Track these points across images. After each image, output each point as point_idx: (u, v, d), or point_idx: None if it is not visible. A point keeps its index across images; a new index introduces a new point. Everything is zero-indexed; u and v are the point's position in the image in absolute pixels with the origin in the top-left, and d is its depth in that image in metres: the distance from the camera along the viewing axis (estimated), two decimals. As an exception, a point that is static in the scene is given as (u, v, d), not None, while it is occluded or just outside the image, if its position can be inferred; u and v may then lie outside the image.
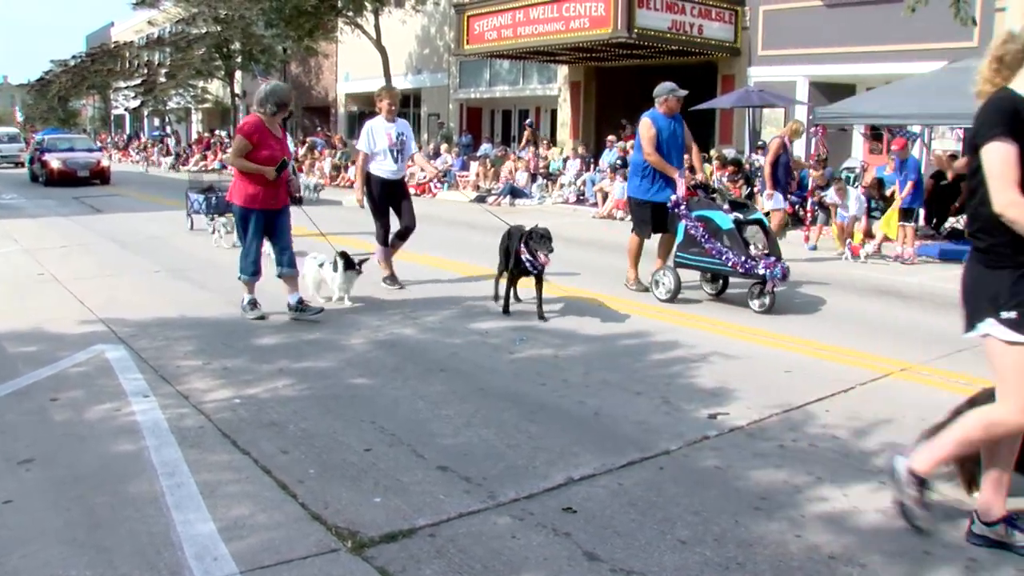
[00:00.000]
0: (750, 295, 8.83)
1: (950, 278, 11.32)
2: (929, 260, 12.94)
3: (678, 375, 6.51)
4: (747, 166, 18.56)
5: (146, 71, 48.46)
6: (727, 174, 17.91)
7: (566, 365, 6.74)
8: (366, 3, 30.19)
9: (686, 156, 9.80)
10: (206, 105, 49.24)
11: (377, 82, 31.36)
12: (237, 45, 39.95)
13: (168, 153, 43.78)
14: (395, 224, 9.96)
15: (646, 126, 9.44)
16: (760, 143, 19.55)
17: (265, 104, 8.10)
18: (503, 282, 8.73)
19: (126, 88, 50.68)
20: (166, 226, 16.09)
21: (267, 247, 8.50)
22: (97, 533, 3.85)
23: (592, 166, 22.35)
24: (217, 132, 44.20)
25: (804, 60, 19.93)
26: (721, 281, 9.50)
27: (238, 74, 42.53)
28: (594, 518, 4.04)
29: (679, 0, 20.46)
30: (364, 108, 38.31)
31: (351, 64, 36.53)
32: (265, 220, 8.20)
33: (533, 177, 23.53)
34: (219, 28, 39.17)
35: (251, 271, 8.27)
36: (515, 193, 22.09)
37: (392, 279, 9.91)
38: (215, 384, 6.11)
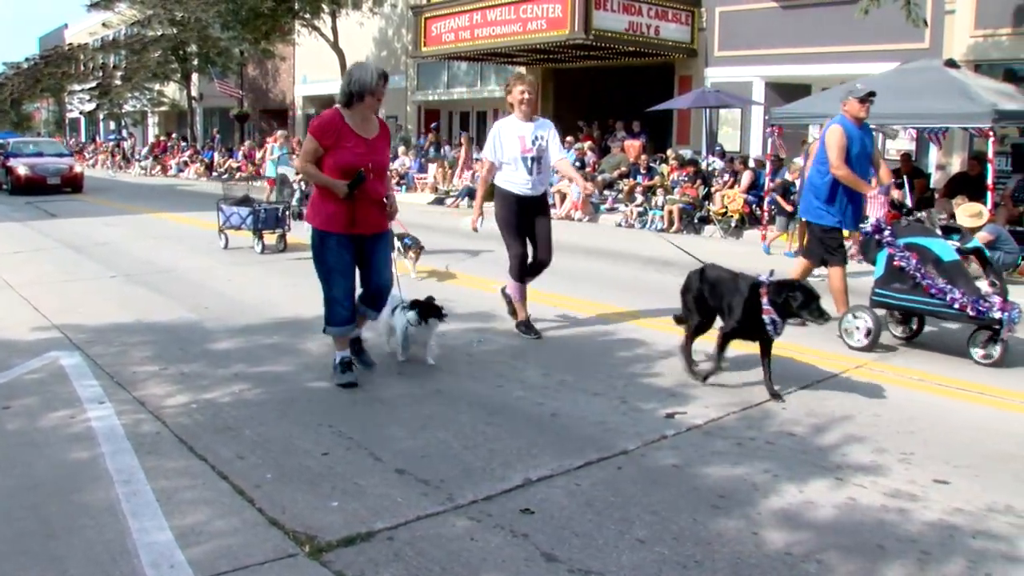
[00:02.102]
0: (972, 342, 7.05)
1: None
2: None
3: (636, 375, 6.55)
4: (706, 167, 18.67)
5: (101, 74, 47.77)
6: (685, 175, 18.05)
7: (524, 366, 6.75)
8: (323, 5, 30.07)
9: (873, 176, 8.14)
10: (162, 108, 48.74)
11: (335, 85, 31.19)
12: (193, 47, 39.62)
13: (124, 157, 43.24)
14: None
15: (837, 135, 7.67)
16: (718, 147, 19.69)
17: (342, 95, 6.00)
18: (697, 342, 6.62)
19: (81, 91, 50.01)
20: (123, 231, 15.89)
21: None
22: (51, 543, 3.80)
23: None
24: (174, 135, 43.75)
25: (760, 61, 20.12)
26: (916, 323, 7.74)
27: (194, 77, 42.17)
28: (552, 519, 4.05)
29: (636, 2, 20.56)
30: (322, 110, 38.11)
31: (309, 67, 36.33)
32: (354, 248, 6.09)
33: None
34: (175, 30, 38.85)
35: (340, 319, 6.07)
36: (474, 196, 22.07)
37: (527, 327, 7.72)
38: (171, 389, 6.05)
